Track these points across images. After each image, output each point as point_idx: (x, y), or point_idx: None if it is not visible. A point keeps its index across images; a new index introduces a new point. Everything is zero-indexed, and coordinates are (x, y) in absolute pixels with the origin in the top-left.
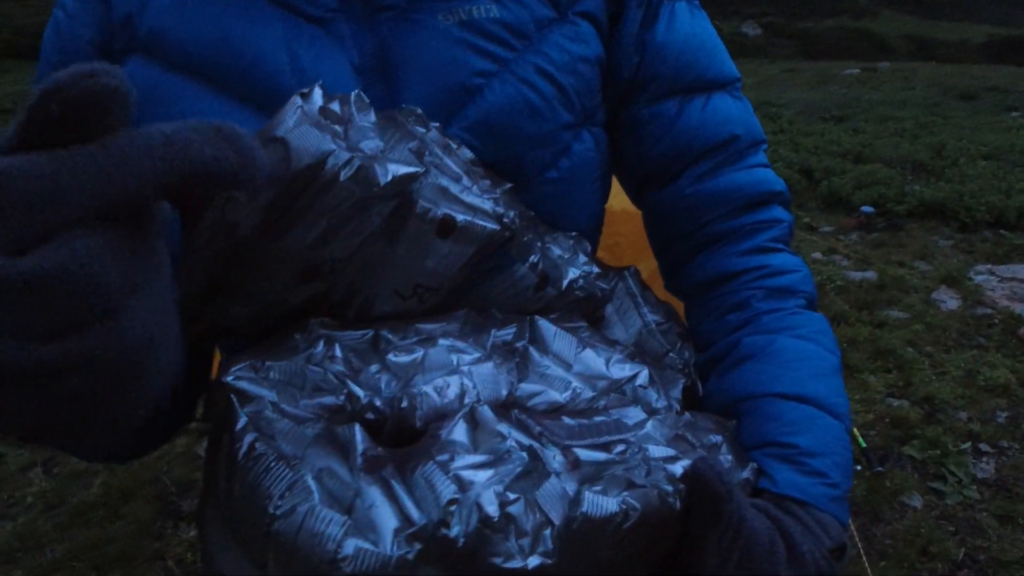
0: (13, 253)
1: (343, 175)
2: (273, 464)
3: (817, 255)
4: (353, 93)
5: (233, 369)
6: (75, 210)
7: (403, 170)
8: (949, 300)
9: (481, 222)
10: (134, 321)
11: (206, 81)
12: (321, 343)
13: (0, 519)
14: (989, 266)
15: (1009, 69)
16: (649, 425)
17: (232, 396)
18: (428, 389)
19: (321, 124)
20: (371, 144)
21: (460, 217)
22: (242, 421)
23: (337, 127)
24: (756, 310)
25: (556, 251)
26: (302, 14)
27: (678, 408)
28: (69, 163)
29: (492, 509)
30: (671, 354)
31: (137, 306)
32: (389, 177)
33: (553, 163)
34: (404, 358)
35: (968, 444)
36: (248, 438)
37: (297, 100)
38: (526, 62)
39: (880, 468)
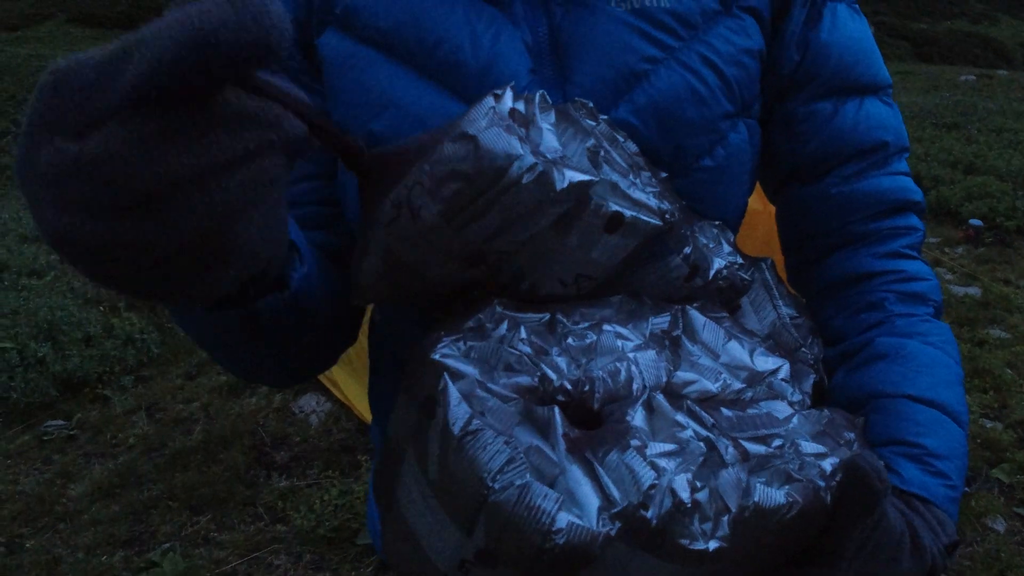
0: (72, 137)
1: (526, 179)
2: (491, 440)
3: None
4: (537, 94)
5: (439, 347)
6: (119, 96)
7: (579, 177)
8: None
9: (646, 217)
10: (204, 200)
11: (394, 55)
12: (505, 324)
13: (102, 458)
14: None
15: None
16: (796, 420)
17: (445, 373)
18: (602, 374)
19: (511, 128)
20: (552, 147)
21: (628, 213)
22: (455, 397)
23: (522, 130)
24: (890, 312)
25: (703, 239)
26: (489, 1)
27: (808, 402)
28: (109, 55)
29: (685, 495)
30: (803, 348)
31: (208, 186)
32: (566, 183)
33: (710, 151)
34: (579, 342)
35: None
36: (463, 413)
37: (490, 100)
38: (692, 51)
39: (967, 489)
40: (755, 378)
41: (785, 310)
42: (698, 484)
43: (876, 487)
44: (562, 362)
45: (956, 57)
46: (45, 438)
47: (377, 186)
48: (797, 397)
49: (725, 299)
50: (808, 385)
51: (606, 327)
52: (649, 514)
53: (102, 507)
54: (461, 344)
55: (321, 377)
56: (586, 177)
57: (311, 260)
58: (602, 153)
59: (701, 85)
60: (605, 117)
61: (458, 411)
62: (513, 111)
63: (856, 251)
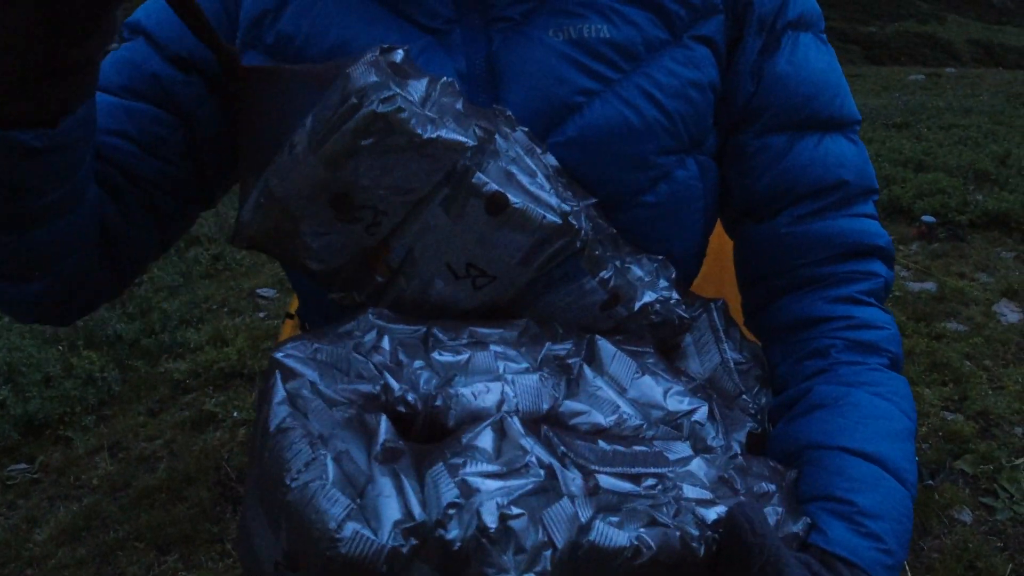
0: None
1: (380, 107)
2: (298, 440)
3: None
4: (445, 78)
5: (285, 346)
6: None
7: (451, 135)
8: (1010, 313)
9: (540, 211)
10: None
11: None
12: (373, 332)
13: (66, 500)
14: None
15: None
16: (694, 463)
17: (277, 371)
18: (465, 391)
19: (383, 71)
20: (434, 110)
21: (514, 199)
22: (279, 395)
23: (398, 78)
24: (835, 360)
25: (637, 272)
26: (419, 24)
27: (738, 451)
28: None
29: (491, 520)
30: (744, 396)
31: None
32: (435, 135)
33: (650, 187)
34: (449, 358)
35: (1022, 460)
36: (282, 412)
37: (375, 51)
38: (631, 83)
39: (931, 482)
40: (667, 418)
41: (731, 355)
42: (514, 511)
43: (749, 542)
44: (422, 376)
45: (905, 58)
46: (8, 482)
47: (252, 109)
48: (720, 443)
49: (661, 336)
50: (742, 434)
51: (492, 347)
52: (450, 535)
53: (69, 551)
54: (309, 345)
55: None
56: (460, 138)
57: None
58: (501, 142)
59: (637, 118)
60: (525, 129)
61: (278, 409)
62: (395, 64)
63: (806, 295)
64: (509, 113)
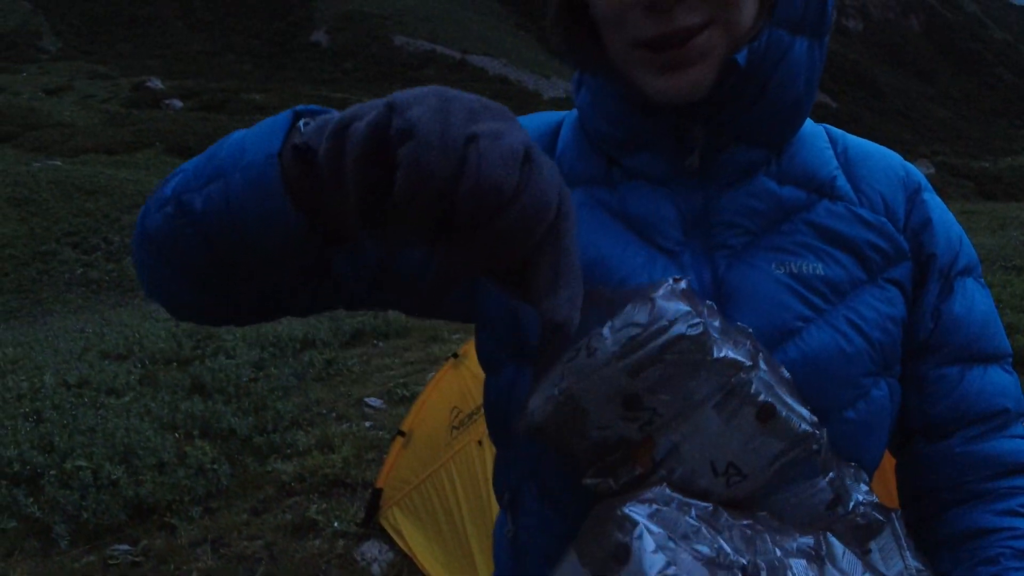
0: None
1: (689, 332)
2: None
3: None
4: (709, 302)
5: (628, 506)
6: None
7: (734, 355)
8: None
9: (796, 421)
10: None
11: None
12: (675, 503)
13: None
14: None
15: None
16: None
17: (641, 524)
18: (767, 565)
19: (683, 297)
20: (717, 329)
21: (781, 409)
22: (651, 545)
23: (696, 307)
24: (1005, 567)
25: (844, 475)
26: (658, 247)
27: None
28: None
29: None
30: None
31: None
32: (722, 354)
33: (853, 404)
34: (742, 534)
35: None
36: (660, 561)
37: (670, 279)
38: (839, 315)
39: None
40: None
41: (912, 562)
42: None
43: None
44: (728, 546)
45: (1021, 193)
46: (110, 562)
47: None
48: None
49: (859, 538)
50: None
51: (764, 530)
52: None
53: None
54: (647, 507)
55: (385, 525)
56: (741, 358)
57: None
58: (762, 361)
59: (848, 345)
60: (759, 345)
61: (655, 558)
62: (686, 291)
63: (974, 507)
64: (750, 330)
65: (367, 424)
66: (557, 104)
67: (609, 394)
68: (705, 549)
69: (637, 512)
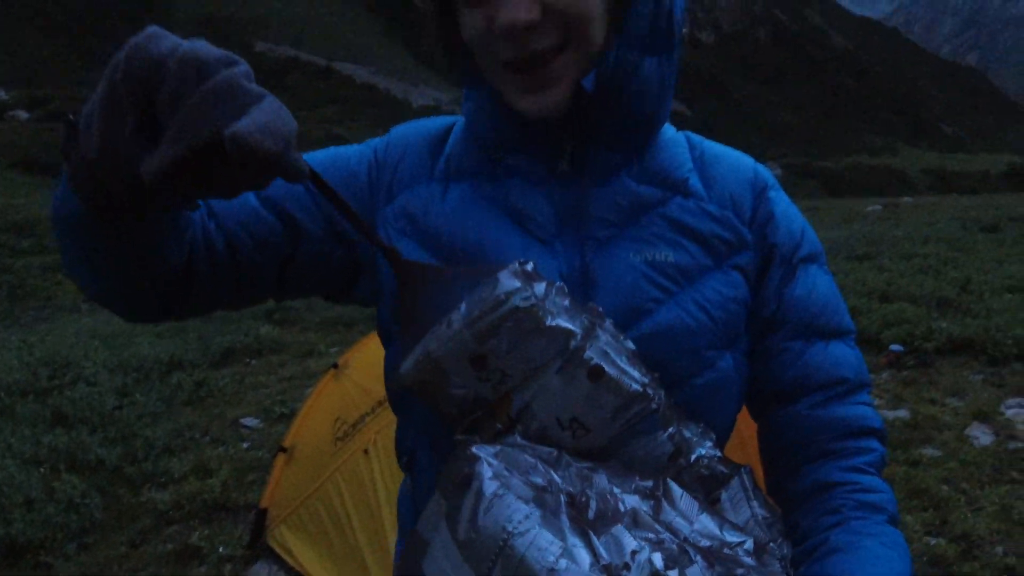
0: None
1: (522, 305)
2: (512, 502)
3: None
4: (558, 283)
5: (475, 446)
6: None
7: (566, 324)
8: (982, 436)
9: (627, 381)
10: None
11: (463, 273)
12: (521, 447)
13: None
14: (1019, 399)
15: None
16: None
17: (481, 457)
18: (598, 497)
19: (522, 277)
20: (558, 304)
21: (609, 369)
22: (488, 472)
23: (533, 284)
24: (847, 516)
25: (687, 432)
26: (535, 236)
27: None
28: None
29: (660, 565)
30: (772, 544)
31: None
32: (555, 323)
33: (699, 372)
34: (580, 474)
35: None
36: (495, 484)
37: (515, 263)
38: (687, 296)
39: None
40: (723, 545)
41: (759, 511)
42: (671, 563)
43: None
44: (558, 478)
45: (862, 189)
46: None
47: (416, 293)
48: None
49: (706, 488)
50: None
51: (602, 473)
52: (631, 575)
53: None
54: (493, 447)
55: (273, 544)
56: (572, 327)
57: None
58: (600, 333)
59: (693, 322)
60: (611, 320)
61: (491, 483)
62: (529, 272)
63: (822, 465)
64: (601, 310)
65: (245, 445)
66: (426, 112)
67: (461, 357)
68: (538, 480)
69: (482, 450)
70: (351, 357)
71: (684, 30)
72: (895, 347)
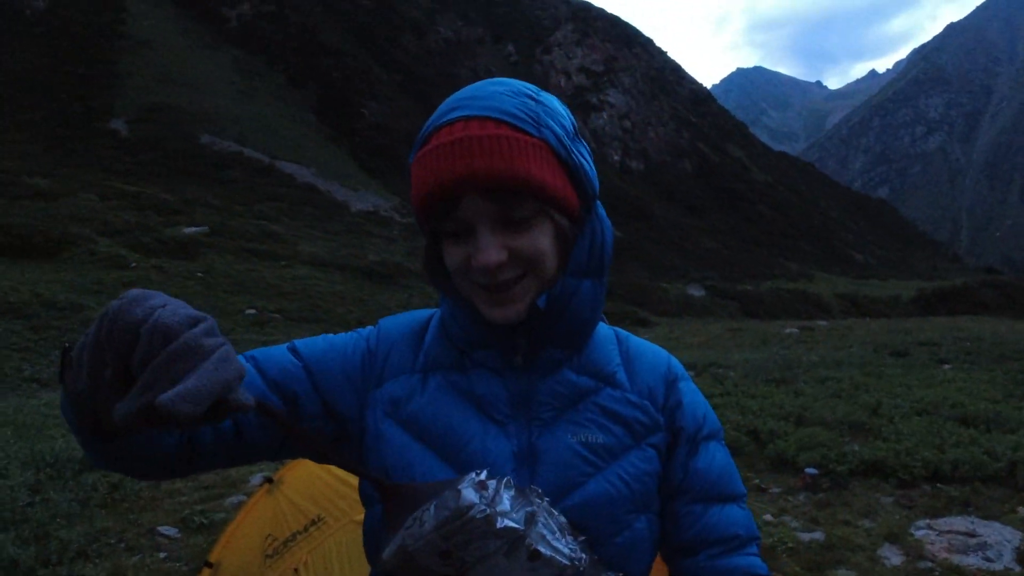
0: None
1: (478, 516)
2: None
3: (768, 516)
4: (505, 477)
5: None
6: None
7: (512, 524)
8: (893, 556)
9: (559, 558)
10: None
11: (436, 451)
12: None
13: None
14: (928, 520)
15: (940, 320)
16: None
17: None
18: None
19: (479, 490)
20: (504, 508)
21: (544, 551)
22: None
23: (487, 493)
24: None
25: None
26: (492, 419)
27: None
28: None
29: None
30: None
31: None
32: (503, 524)
33: (619, 532)
34: None
35: None
36: None
37: (473, 474)
38: (612, 471)
39: None
40: None
41: None
42: None
43: None
44: None
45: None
46: None
47: (397, 506)
48: None
49: None
50: None
51: None
52: None
53: None
54: None
55: None
56: (516, 526)
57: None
58: (539, 517)
59: (615, 492)
60: (548, 499)
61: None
62: (483, 483)
63: None
64: (540, 490)
65: (162, 555)
66: (365, 216)
67: (432, 552)
68: None
69: None
70: (286, 473)
71: (608, 255)
72: (810, 470)
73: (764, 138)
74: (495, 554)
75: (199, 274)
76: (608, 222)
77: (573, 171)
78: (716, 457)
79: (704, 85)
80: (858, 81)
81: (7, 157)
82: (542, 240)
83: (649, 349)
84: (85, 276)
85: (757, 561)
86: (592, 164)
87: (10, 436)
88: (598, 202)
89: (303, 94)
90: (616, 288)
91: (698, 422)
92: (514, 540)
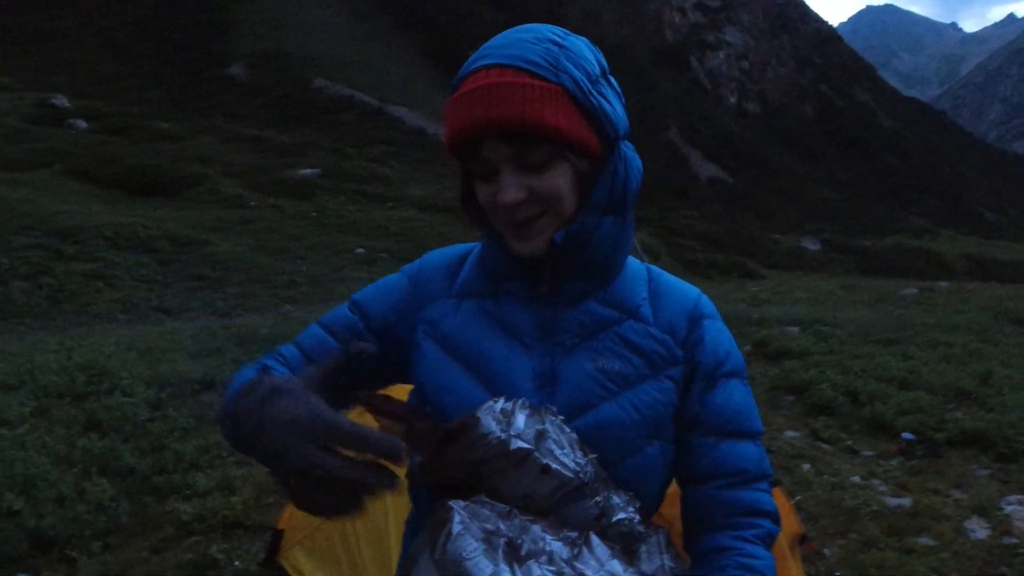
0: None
1: (494, 441)
2: (469, 539)
3: (856, 479)
4: (521, 399)
5: (455, 503)
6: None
7: (524, 445)
8: (979, 530)
9: (565, 472)
10: None
11: (464, 366)
12: (484, 504)
13: None
14: (1020, 496)
15: None
16: None
17: (454, 511)
18: (530, 540)
19: (497, 416)
20: (518, 428)
21: (553, 466)
22: (457, 521)
23: (504, 419)
24: (730, 573)
25: (615, 500)
26: (519, 342)
27: None
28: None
29: None
30: None
31: None
32: (516, 447)
33: (631, 455)
34: (520, 525)
35: None
36: (460, 527)
37: (491, 403)
38: (625, 397)
39: None
40: None
41: (668, 562)
42: None
43: None
44: (503, 526)
45: (900, 271)
46: None
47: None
48: None
49: (626, 542)
50: None
51: (539, 524)
52: None
53: None
54: (464, 503)
55: (286, 565)
56: (527, 446)
57: None
58: (550, 434)
59: (627, 417)
60: (561, 418)
61: (457, 525)
62: (503, 409)
63: (719, 533)
64: (555, 409)
65: (266, 468)
66: None
67: (460, 467)
68: (489, 526)
69: (456, 504)
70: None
71: (631, 194)
72: (907, 435)
73: (893, 82)
74: (508, 468)
75: (312, 214)
76: (637, 161)
77: (592, 114)
78: (734, 394)
79: (830, 23)
80: (996, 25)
81: (132, 102)
82: (560, 181)
83: (679, 287)
84: (207, 213)
85: (764, 497)
86: (619, 105)
87: (135, 358)
88: (625, 142)
89: (411, 37)
90: (724, 238)
91: (719, 359)
92: (524, 456)
